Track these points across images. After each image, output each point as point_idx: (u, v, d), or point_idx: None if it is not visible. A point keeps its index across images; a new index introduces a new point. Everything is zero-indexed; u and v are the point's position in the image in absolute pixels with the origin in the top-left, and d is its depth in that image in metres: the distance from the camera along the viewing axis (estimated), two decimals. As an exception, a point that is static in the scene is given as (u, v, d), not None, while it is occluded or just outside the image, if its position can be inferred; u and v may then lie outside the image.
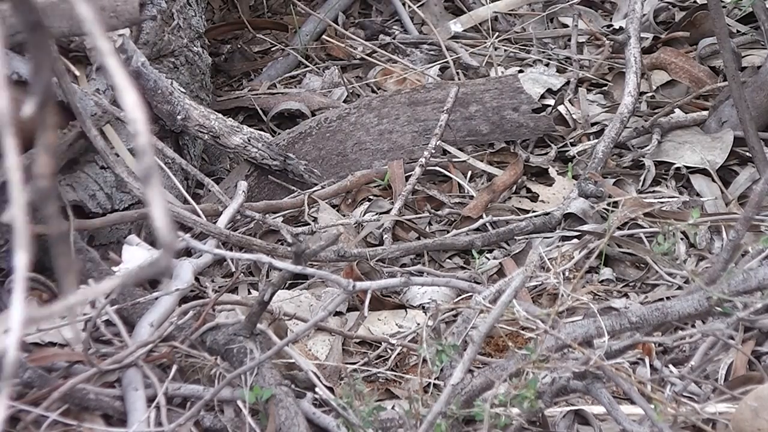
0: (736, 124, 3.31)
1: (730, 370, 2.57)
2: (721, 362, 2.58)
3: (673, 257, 2.86)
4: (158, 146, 3.07)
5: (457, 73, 3.80)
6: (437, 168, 3.35)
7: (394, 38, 4.06)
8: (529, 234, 3.11)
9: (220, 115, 3.26)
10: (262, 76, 3.94)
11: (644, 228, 3.06)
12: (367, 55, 3.97)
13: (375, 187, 3.33)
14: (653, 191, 3.28)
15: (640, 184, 3.29)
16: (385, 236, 3.10)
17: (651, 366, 2.59)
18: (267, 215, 3.13)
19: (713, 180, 3.28)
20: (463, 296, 2.81)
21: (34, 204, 0.92)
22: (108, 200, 3.03)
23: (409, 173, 3.27)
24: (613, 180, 3.27)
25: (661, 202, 3.18)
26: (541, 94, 3.68)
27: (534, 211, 3.23)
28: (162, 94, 3.14)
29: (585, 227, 3.06)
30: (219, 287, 2.87)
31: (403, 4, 4.16)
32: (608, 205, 3.07)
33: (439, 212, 3.23)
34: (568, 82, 3.75)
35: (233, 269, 2.95)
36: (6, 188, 3.15)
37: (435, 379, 2.49)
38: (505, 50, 3.93)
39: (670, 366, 2.58)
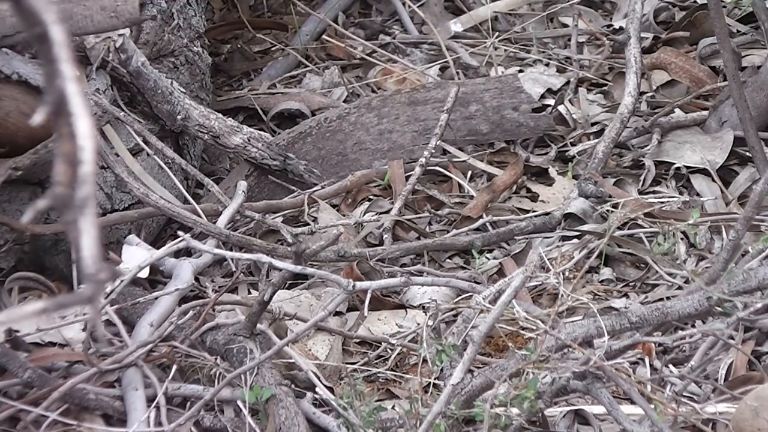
0: (736, 124, 3.31)
1: (730, 370, 2.57)
2: (721, 362, 2.58)
3: (673, 257, 2.86)
4: (158, 146, 3.07)
5: (457, 72, 3.80)
6: (437, 168, 3.35)
7: (394, 38, 4.05)
8: (529, 234, 3.11)
9: (220, 115, 3.26)
10: (262, 76, 3.94)
11: (644, 228, 3.06)
12: (367, 55, 3.97)
13: (375, 187, 3.32)
14: (653, 191, 3.28)
15: (640, 184, 3.29)
16: (385, 236, 3.10)
17: (651, 366, 2.59)
18: (267, 215, 3.13)
19: (713, 180, 3.28)
20: (463, 296, 2.81)
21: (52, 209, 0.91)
22: (108, 200, 3.03)
23: (409, 173, 3.27)
24: (613, 180, 3.27)
25: (661, 202, 3.18)
26: (541, 94, 3.68)
27: (534, 211, 3.23)
28: (162, 94, 3.14)
29: (585, 227, 3.06)
30: (219, 287, 2.87)
31: (403, 4, 4.16)
32: (609, 205, 3.07)
33: (439, 212, 3.23)
34: (568, 82, 3.75)
35: (233, 269, 2.95)
36: (6, 188, 3.13)
37: (435, 379, 2.49)
38: (505, 50, 3.93)
39: (670, 366, 2.58)
